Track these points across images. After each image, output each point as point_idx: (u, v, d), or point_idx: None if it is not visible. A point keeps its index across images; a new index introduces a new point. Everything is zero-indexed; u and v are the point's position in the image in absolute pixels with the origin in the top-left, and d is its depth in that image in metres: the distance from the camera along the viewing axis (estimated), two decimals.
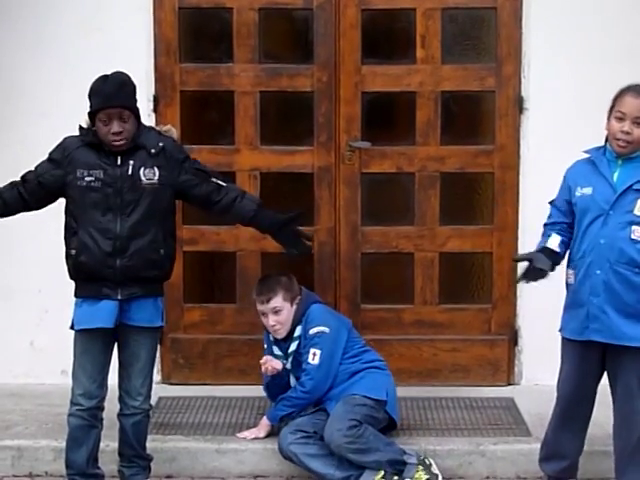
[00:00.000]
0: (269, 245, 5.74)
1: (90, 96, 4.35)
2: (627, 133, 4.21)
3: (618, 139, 4.24)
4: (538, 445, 4.81)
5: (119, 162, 4.35)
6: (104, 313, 4.37)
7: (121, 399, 4.54)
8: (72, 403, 4.46)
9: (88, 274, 4.38)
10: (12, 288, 5.70)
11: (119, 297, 4.38)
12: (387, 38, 5.82)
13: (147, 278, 4.41)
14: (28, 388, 5.69)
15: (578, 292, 4.37)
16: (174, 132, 4.63)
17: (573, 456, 4.58)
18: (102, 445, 4.64)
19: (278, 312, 4.97)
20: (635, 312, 4.27)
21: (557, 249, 4.40)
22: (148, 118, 5.63)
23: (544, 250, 4.42)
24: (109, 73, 4.39)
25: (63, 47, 5.57)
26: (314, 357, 4.91)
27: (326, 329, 4.94)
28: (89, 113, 4.34)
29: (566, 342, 4.50)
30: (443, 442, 5.00)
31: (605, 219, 4.26)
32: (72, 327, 4.46)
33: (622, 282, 4.26)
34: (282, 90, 5.72)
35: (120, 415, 4.56)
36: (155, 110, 5.68)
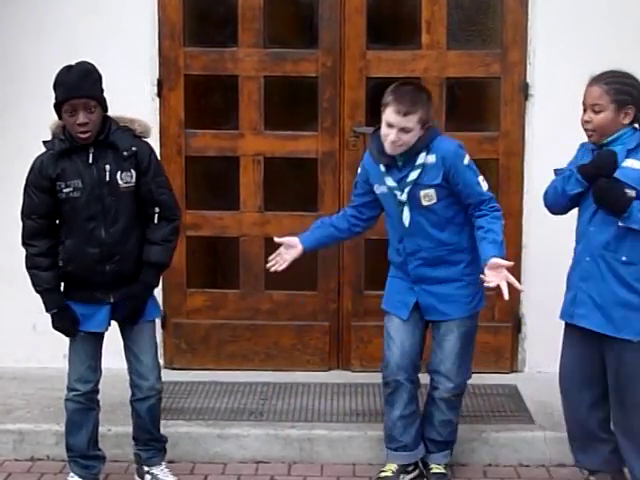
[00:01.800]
0: (272, 230, 5.75)
1: (54, 87, 4.28)
2: (587, 122, 4.26)
3: (585, 130, 4.30)
4: (541, 433, 4.82)
5: (91, 159, 4.28)
6: (97, 318, 4.41)
7: (132, 383, 4.54)
8: (68, 389, 4.49)
9: (78, 281, 4.38)
10: (14, 272, 5.65)
11: (112, 300, 4.40)
12: (392, 23, 5.79)
13: (136, 277, 4.42)
14: (30, 372, 5.69)
15: (570, 276, 4.43)
16: (149, 129, 4.51)
17: (604, 440, 4.45)
18: (104, 429, 4.64)
19: (407, 132, 4.36)
20: (620, 302, 4.24)
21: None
22: (152, 102, 5.64)
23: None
24: (73, 63, 4.31)
25: (66, 30, 5.55)
26: (483, 183, 4.50)
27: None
28: (54, 105, 4.27)
29: (565, 326, 4.49)
30: None
31: (597, 208, 4.26)
32: None
33: (609, 271, 4.24)
34: (286, 75, 5.70)
35: (134, 401, 4.56)
36: (159, 94, 5.66)
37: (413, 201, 4.46)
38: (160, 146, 5.63)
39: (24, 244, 4.42)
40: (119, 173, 4.31)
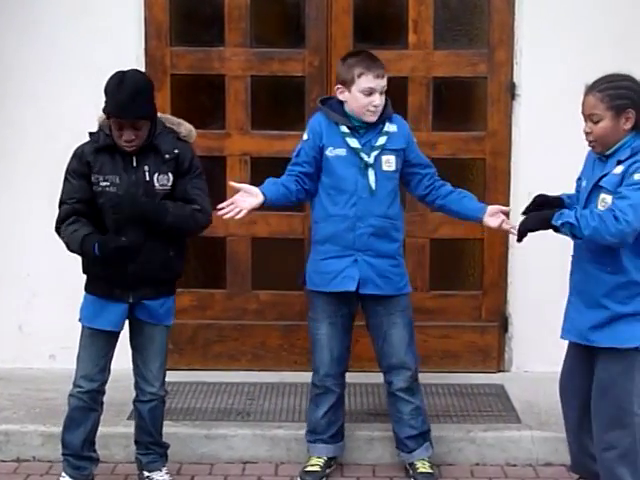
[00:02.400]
0: (259, 230, 5.76)
1: (105, 94, 4.22)
2: (587, 133, 4.13)
3: (588, 141, 4.17)
4: (528, 432, 4.83)
5: (134, 164, 4.28)
6: (113, 316, 4.37)
7: (137, 385, 4.53)
8: (73, 384, 4.45)
9: (99, 275, 4.34)
10: (0, 272, 5.67)
11: (130, 300, 4.37)
12: (379, 23, 5.79)
13: (158, 280, 4.39)
14: (16, 373, 5.66)
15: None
16: (193, 134, 4.47)
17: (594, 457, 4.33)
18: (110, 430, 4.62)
19: (383, 93, 4.54)
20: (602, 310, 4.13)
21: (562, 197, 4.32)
22: None
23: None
24: (126, 72, 4.23)
25: (52, 30, 5.53)
26: None
27: None
28: (103, 110, 4.24)
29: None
30: (433, 429, 4.96)
31: None
32: (80, 319, 4.44)
33: (592, 281, 4.13)
34: (273, 74, 5.69)
35: (136, 401, 4.55)
36: None
37: (376, 165, 4.57)
38: None
39: (58, 229, 4.30)
40: (156, 175, 4.29)
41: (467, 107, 5.85)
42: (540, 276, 5.43)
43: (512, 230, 4.49)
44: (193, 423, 5.07)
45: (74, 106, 5.45)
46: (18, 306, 5.71)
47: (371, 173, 4.55)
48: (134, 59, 5.56)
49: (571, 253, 4.25)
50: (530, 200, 4.32)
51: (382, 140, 4.57)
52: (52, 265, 5.21)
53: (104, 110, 4.23)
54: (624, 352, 4.08)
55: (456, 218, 4.87)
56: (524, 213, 4.31)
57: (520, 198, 5.57)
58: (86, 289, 4.42)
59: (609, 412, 4.13)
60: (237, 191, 4.51)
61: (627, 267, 4.06)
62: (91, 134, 4.35)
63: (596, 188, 4.12)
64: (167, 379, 5.43)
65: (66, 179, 4.34)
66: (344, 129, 4.57)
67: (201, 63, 5.67)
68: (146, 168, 4.28)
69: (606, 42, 5.45)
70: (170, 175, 4.32)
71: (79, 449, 4.50)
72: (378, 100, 4.51)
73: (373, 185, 4.56)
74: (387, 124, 4.60)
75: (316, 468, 4.74)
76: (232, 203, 4.46)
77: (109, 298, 4.35)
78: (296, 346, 5.79)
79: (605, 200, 4.06)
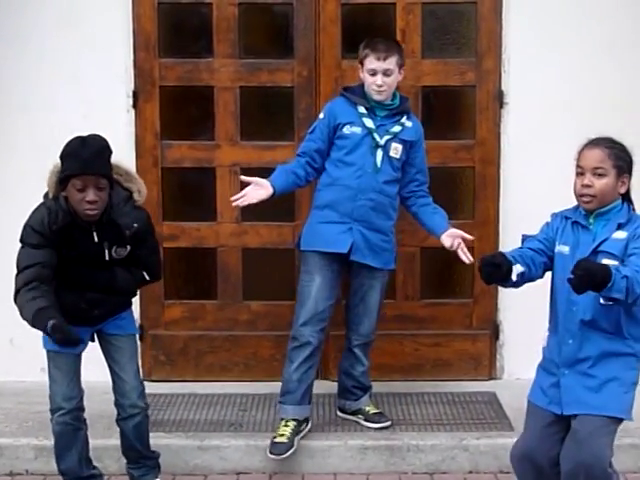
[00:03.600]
0: (250, 241, 5.76)
1: (63, 158, 4.18)
2: (588, 186, 3.94)
3: (582, 195, 3.99)
4: None
5: (96, 239, 4.27)
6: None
7: (117, 402, 4.51)
8: (53, 410, 4.42)
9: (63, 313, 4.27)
10: None
11: (91, 325, 4.42)
12: (367, 32, 5.75)
13: (120, 310, 4.48)
14: (7, 386, 5.64)
15: (549, 358, 4.11)
16: (144, 193, 4.42)
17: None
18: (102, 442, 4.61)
19: (389, 75, 4.93)
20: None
21: (514, 278, 4.04)
22: (127, 114, 5.62)
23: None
24: (86, 135, 4.22)
25: (41, 42, 5.53)
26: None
27: None
28: (60, 176, 4.18)
29: (531, 405, 4.19)
30: (426, 437, 5.00)
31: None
32: (44, 345, 4.40)
33: (594, 350, 3.97)
34: (262, 85, 5.70)
35: (119, 420, 4.52)
36: (134, 106, 5.64)
37: (385, 148, 4.95)
38: (136, 158, 5.62)
39: (17, 293, 4.27)
40: (114, 248, 4.31)
41: (456, 115, 5.86)
42: (530, 283, 5.43)
43: (466, 254, 4.90)
44: (186, 434, 5.07)
45: (63, 117, 5.45)
46: (9, 319, 5.66)
47: (379, 153, 4.93)
48: (123, 71, 5.58)
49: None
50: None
51: (396, 129, 4.97)
52: None
53: (65, 173, 4.16)
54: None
55: (423, 228, 5.17)
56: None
57: (509, 206, 5.60)
58: None
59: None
60: (247, 184, 4.83)
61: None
62: (49, 212, 4.21)
63: (595, 254, 3.93)
64: (159, 391, 5.45)
65: (27, 248, 4.25)
66: (362, 109, 4.96)
67: (190, 74, 5.68)
68: (105, 244, 4.28)
69: (594, 50, 5.48)
70: (128, 247, 4.34)
71: (79, 470, 4.49)
72: (380, 81, 4.89)
73: (379, 164, 4.93)
74: (405, 118, 5.01)
75: (283, 439, 4.83)
76: (244, 195, 4.80)
77: (73, 324, 4.25)
78: None
79: None
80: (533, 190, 5.51)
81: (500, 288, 5.70)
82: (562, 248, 4.06)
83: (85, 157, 4.13)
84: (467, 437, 5.02)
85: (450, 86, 5.71)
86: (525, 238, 4.23)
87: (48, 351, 4.40)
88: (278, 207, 5.79)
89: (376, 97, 4.93)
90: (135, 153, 5.63)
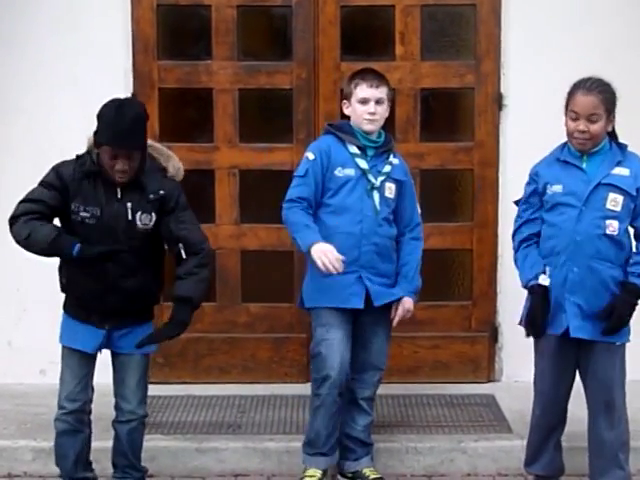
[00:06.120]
0: (249, 243, 5.76)
1: (98, 120, 4.11)
2: (583, 132, 4.24)
3: (576, 137, 4.27)
4: (519, 442, 4.82)
5: (119, 195, 4.18)
6: (89, 339, 4.31)
7: (116, 405, 4.48)
8: (58, 407, 4.40)
9: (77, 301, 4.31)
10: None
11: (106, 327, 4.32)
12: (366, 35, 5.81)
13: (136, 310, 4.35)
14: (6, 388, 5.64)
15: (553, 290, 4.33)
16: (181, 173, 4.37)
17: (559, 452, 4.56)
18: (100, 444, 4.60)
19: (381, 103, 4.69)
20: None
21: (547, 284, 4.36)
22: None
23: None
24: (124, 100, 4.15)
25: (39, 44, 5.53)
26: (417, 206, 4.91)
27: None
28: (95, 135, 4.12)
29: (543, 337, 4.47)
30: (424, 439, 5.00)
31: (579, 216, 4.26)
32: (60, 339, 4.39)
33: (597, 279, 4.27)
34: (261, 87, 5.71)
35: (115, 422, 4.49)
36: None
37: (380, 189, 4.71)
38: None
39: (14, 220, 4.16)
40: (139, 214, 4.20)
41: (455, 118, 5.87)
42: None
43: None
44: (184, 437, 5.06)
45: (61, 121, 5.46)
46: (7, 321, 5.69)
47: (376, 195, 4.67)
48: (122, 73, 5.58)
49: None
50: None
51: (387, 168, 4.72)
52: (42, 280, 5.18)
53: (98, 139, 4.12)
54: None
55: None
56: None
57: (508, 208, 5.58)
58: (64, 308, 4.38)
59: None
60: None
61: None
62: (79, 157, 4.21)
63: (600, 188, 4.23)
64: (158, 393, 5.43)
65: (40, 185, 4.20)
66: (354, 149, 4.68)
67: (189, 77, 5.68)
68: (129, 205, 4.19)
69: (593, 52, 5.47)
70: (153, 215, 4.23)
71: (72, 472, 4.48)
72: (372, 108, 4.63)
73: (378, 206, 4.68)
74: (392, 157, 4.76)
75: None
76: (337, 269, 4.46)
77: (86, 322, 4.29)
78: (286, 358, 5.79)
79: (616, 200, 4.23)
80: None
81: (499, 290, 5.72)
82: (556, 188, 4.35)
83: (118, 129, 4.04)
84: (465, 439, 5.01)
85: (449, 88, 5.72)
86: (518, 202, 4.56)
87: (63, 347, 4.39)
88: (277, 209, 5.78)
89: (366, 127, 4.65)
90: None
